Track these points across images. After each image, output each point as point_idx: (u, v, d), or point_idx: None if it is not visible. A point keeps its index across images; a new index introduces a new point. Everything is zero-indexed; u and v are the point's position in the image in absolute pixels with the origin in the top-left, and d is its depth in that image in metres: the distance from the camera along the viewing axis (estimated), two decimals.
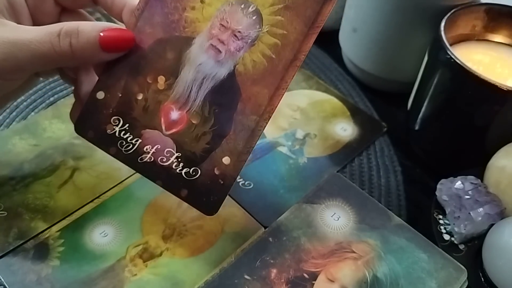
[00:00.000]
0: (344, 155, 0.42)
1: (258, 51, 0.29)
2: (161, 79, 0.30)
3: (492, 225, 0.33)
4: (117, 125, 0.31)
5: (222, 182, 0.29)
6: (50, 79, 0.46)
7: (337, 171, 0.40)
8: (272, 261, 0.32)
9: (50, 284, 0.31)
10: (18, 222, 0.34)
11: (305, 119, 0.44)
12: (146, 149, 0.31)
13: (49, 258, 0.33)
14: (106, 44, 0.29)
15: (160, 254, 0.33)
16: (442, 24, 0.38)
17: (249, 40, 0.29)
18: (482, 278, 0.32)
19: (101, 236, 0.34)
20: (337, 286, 0.31)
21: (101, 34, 0.29)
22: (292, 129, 0.43)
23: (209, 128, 0.30)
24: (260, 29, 0.28)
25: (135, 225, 0.35)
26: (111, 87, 0.31)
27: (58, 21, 0.34)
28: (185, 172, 0.30)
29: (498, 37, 0.41)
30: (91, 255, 0.33)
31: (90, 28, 0.29)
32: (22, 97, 0.45)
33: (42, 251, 0.33)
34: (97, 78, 0.32)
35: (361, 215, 0.34)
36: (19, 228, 0.34)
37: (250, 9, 0.29)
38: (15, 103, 0.44)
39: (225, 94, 0.29)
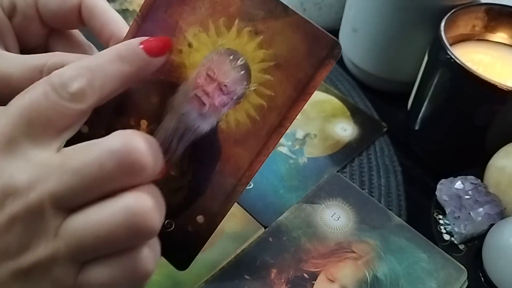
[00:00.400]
0: (344, 155, 0.42)
1: (243, 110, 0.27)
2: (144, 124, 0.29)
3: (492, 225, 0.33)
4: None
5: (194, 241, 0.28)
6: None
7: (337, 171, 0.40)
8: (272, 261, 0.32)
9: None
10: None
11: (305, 119, 0.44)
12: None
13: None
14: None
15: None
16: (442, 24, 0.38)
17: (235, 97, 0.27)
18: (482, 278, 0.32)
19: None
20: (337, 286, 0.31)
21: None
22: (292, 129, 0.43)
23: (187, 183, 0.28)
24: (247, 87, 0.26)
25: None
26: (95, 123, 0.29)
27: (46, 42, 0.33)
28: None
29: (498, 37, 0.41)
30: None
31: None
32: None
33: None
34: None
35: (361, 215, 0.34)
36: None
37: (239, 62, 0.27)
38: None
39: (205, 150, 0.28)
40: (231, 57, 0.27)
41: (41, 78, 0.26)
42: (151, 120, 0.29)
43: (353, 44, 0.48)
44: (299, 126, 0.44)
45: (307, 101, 0.26)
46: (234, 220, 0.36)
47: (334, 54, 0.24)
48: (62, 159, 0.21)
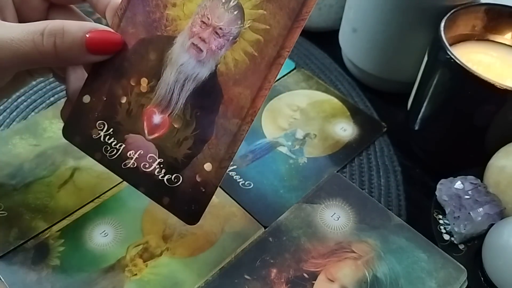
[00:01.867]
0: (344, 155, 0.42)
1: (240, 49, 0.27)
2: (144, 81, 0.29)
3: (491, 225, 0.33)
4: (102, 130, 0.30)
5: (203, 190, 0.28)
6: (51, 79, 0.46)
7: (337, 171, 0.41)
8: (272, 261, 0.32)
9: (50, 284, 0.31)
10: (19, 222, 0.34)
11: (305, 119, 0.44)
12: (130, 155, 0.30)
13: (49, 258, 0.33)
14: (93, 46, 0.28)
15: (160, 254, 0.33)
16: (442, 24, 0.38)
17: (231, 37, 0.27)
18: (482, 278, 0.32)
19: (101, 236, 0.34)
20: (337, 286, 0.31)
21: (88, 35, 0.28)
22: (292, 129, 0.43)
23: (191, 132, 0.29)
24: (242, 25, 0.27)
25: (135, 225, 0.35)
26: (96, 91, 0.30)
27: (46, 17, 0.33)
28: (167, 179, 0.29)
29: (498, 37, 0.41)
30: (91, 255, 0.33)
31: (77, 28, 0.27)
32: (22, 97, 0.45)
33: (42, 251, 0.33)
34: (85, 76, 0.31)
35: (361, 215, 0.34)
36: (20, 228, 0.34)
37: (232, 3, 0.27)
38: (15, 103, 0.44)
39: (207, 96, 0.28)
40: (223, 0, 0.27)
41: (43, 41, 0.27)
42: (151, 77, 0.29)
43: (353, 44, 0.48)
44: (299, 126, 0.44)
45: (302, 27, 0.26)
46: (234, 220, 0.36)
47: None
48: None
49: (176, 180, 0.29)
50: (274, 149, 0.41)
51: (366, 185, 0.41)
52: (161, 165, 0.29)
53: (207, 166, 0.28)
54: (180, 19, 0.28)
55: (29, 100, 0.45)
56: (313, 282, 0.31)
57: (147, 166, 0.29)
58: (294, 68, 0.50)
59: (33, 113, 0.44)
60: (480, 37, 0.42)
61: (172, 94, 0.29)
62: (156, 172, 0.29)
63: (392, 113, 0.47)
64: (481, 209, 0.33)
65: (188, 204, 0.29)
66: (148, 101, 0.29)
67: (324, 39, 0.54)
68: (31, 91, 0.45)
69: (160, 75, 0.29)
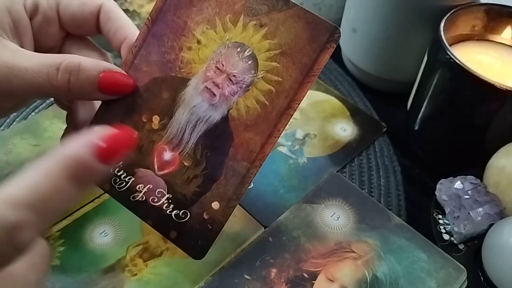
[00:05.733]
0: (344, 155, 0.42)
1: (252, 97, 0.28)
2: (156, 119, 0.30)
3: (491, 225, 0.33)
4: None
5: (210, 227, 0.29)
6: None
7: (337, 171, 0.41)
8: (272, 261, 0.32)
9: (51, 284, 0.31)
10: None
11: (305, 119, 0.44)
12: (139, 188, 0.30)
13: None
14: (105, 86, 0.28)
15: (160, 254, 0.33)
16: (442, 24, 0.38)
17: (244, 85, 0.28)
18: (482, 278, 0.32)
19: (102, 236, 0.34)
20: (337, 286, 0.31)
21: (101, 75, 0.28)
22: (292, 129, 0.43)
23: (201, 171, 0.29)
24: (255, 75, 0.28)
25: (135, 225, 0.35)
26: (107, 124, 0.30)
27: (61, 45, 0.33)
28: (175, 214, 0.30)
29: (498, 37, 0.41)
30: (91, 255, 0.33)
31: (91, 67, 0.28)
32: None
33: None
34: (93, 107, 0.31)
35: (360, 215, 0.34)
36: None
37: (246, 53, 0.28)
38: None
39: (217, 138, 0.29)
40: (239, 49, 0.28)
41: (58, 76, 0.27)
42: (163, 115, 0.30)
43: (353, 44, 0.48)
44: (299, 126, 0.44)
45: (312, 82, 0.27)
46: (234, 220, 0.36)
47: (334, 38, 0.27)
48: None
49: (184, 216, 0.30)
50: (274, 149, 0.41)
51: (366, 185, 0.41)
52: (170, 201, 0.30)
53: (215, 205, 0.29)
54: (195, 62, 0.29)
55: None
56: (313, 282, 0.31)
57: (155, 200, 0.30)
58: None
59: (33, 113, 0.44)
60: (480, 37, 0.42)
61: (183, 133, 0.29)
62: (164, 207, 0.30)
63: (392, 113, 0.47)
64: (481, 209, 0.33)
65: (194, 239, 0.29)
66: (159, 138, 0.30)
67: None
68: None
69: (172, 114, 0.30)
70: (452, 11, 0.39)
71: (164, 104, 0.30)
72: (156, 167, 0.30)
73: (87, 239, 0.34)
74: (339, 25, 0.50)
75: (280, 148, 0.42)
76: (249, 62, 0.28)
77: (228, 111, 0.29)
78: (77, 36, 0.33)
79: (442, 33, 0.37)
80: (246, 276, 0.31)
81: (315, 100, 0.46)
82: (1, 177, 0.37)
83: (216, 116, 0.29)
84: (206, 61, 0.29)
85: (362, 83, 0.50)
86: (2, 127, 0.42)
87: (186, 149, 0.30)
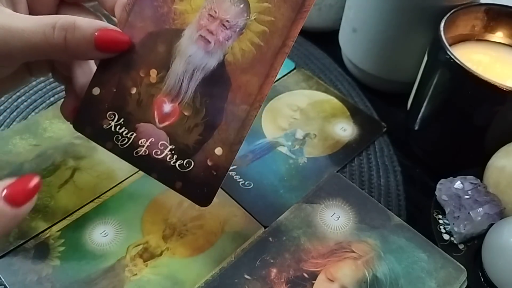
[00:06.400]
0: (344, 155, 0.42)
1: (246, 40, 0.29)
2: (153, 73, 0.30)
3: (491, 225, 0.33)
4: (112, 120, 0.31)
5: (215, 173, 0.29)
6: (51, 79, 0.46)
7: (337, 171, 0.41)
8: (272, 261, 0.32)
9: (51, 284, 0.31)
10: None
11: (305, 119, 0.44)
12: (141, 143, 0.31)
13: (49, 258, 0.33)
14: (101, 43, 0.29)
15: (161, 254, 0.33)
16: (442, 24, 0.38)
17: (238, 29, 0.29)
18: (482, 278, 0.32)
19: (102, 236, 0.34)
20: (337, 286, 0.31)
21: (97, 33, 0.28)
22: (292, 129, 0.43)
23: (201, 119, 0.30)
24: (248, 17, 0.29)
25: (136, 225, 0.35)
26: (106, 83, 0.31)
27: (56, 13, 0.33)
28: (179, 164, 0.30)
29: (498, 37, 0.41)
30: (91, 255, 0.33)
31: (87, 25, 0.28)
32: (23, 97, 0.45)
33: (42, 251, 0.33)
34: (91, 71, 0.32)
35: (360, 215, 0.34)
36: (20, 227, 0.34)
37: None
38: (15, 103, 0.44)
39: (215, 85, 0.29)
40: None
41: (54, 34, 0.28)
42: (160, 68, 0.30)
43: (353, 44, 0.48)
44: (299, 126, 0.44)
45: (305, 19, 0.28)
46: (234, 220, 0.36)
47: None
48: None
49: (188, 165, 0.30)
50: (274, 149, 0.41)
51: (366, 185, 0.41)
52: (173, 151, 0.30)
53: (218, 151, 0.29)
54: (187, 12, 0.30)
55: (29, 100, 0.45)
56: (313, 282, 0.31)
57: (158, 153, 0.30)
58: (294, 68, 0.50)
59: (33, 113, 0.44)
60: (480, 37, 0.42)
61: (181, 83, 0.30)
62: (168, 158, 0.30)
63: (392, 113, 0.47)
64: (481, 209, 0.33)
65: (200, 187, 0.30)
66: (158, 91, 0.30)
67: (324, 39, 0.54)
68: (31, 91, 0.45)
69: (169, 66, 0.30)
70: (452, 11, 0.39)
71: (161, 57, 0.30)
72: (156, 120, 0.31)
73: (87, 239, 0.34)
74: (339, 25, 0.50)
75: (280, 148, 0.42)
76: (241, 5, 0.29)
77: (224, 56, 0.29)
78: (71, 3, 0.34)
79: (442, 33, 0.37)
80: (246, 276, 0.31)
81: (315, 100, 0.46)
82: (1, 177, 0.37)
83: (212, 63, 0.29)
84: (199, 10, 0.29)
85: (362, 83, 0.50)
86: (2, 127, 0.42)
87: (185, 99, 0.30)
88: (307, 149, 0.42)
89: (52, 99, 0.45)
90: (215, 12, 0.29)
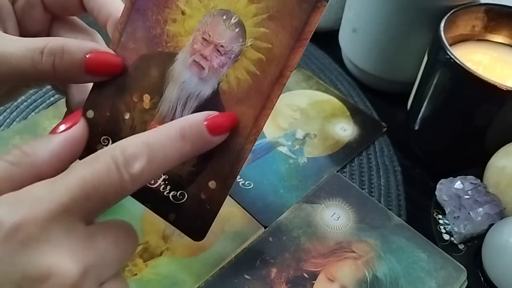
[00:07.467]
0: (344, 155, 0.42)
1: (242, 68, 0.27)
2: (147, 98, 0.29)
3: (491, 225, 0.33)
4: (106, 145, 0.30)
5: (208, 207, 0.28)
6: None
7: (337, 171, 0.41)
8: (272, 261, 0.32)
9: None
10: None
11: (305, 119, 0.44)
12: None
13: None
14: (92, 67, 0.27)
15: (160, 254, 0.33)
16: (442, 24, 0.38)
17: (233, 55, 0.27)
18: (482, 278, 0.32)
19: None
20: (337, 286, 0.31)
21: (88, 56, 0.27)
22: (292, 129, 0.43)
23: None
24: (244, 43, 0.27)
25: (136, 225, 0.34)
26: (99, 106, 0.30)
27: (48, 29, 0.32)
28: (172, 195, 0.29)
29: (498, 37, 0.41)
30: None
31: (77, 48, 0.27)
32: (23, 97, 0.45)
33: None
34: (86, 88, 0.31)
35: (361, 215, 0.34)
36: None
37: (233, 21, 0.27)
38: (15, 103, 0.44)
39: None
40: (224, 16, 0.27)
41: (42, 59, 0.26)
42: (153, 94, 0.29)
43: (353, 44, 0.48)
44: (299, 126, 0.44)
45: (305, 47, 0.26)
46: (234, 220, 0.36)
47: None
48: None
49: (181, 196, 0.29)
50: (274, 149, 0.41)
51: (366, 185, 0.41)
52: (166, 182, 0.29)
53: (212, 184, 0.28)
54: (181, 35, 0.28)
55: (29, 100, 0.45)
56: (313, 282, 0.31)
57: (152, 182, 0.29)
58: (294, 68, 0.49)
59: (33, 113, 0.44)
60: (480, 37, 0.42)
61: (175, 111, 0.29)
62: (161, 189, 0.29)
63: (392, 113, 0.47)
64: (481, 209, 0.33)
65: (193, 220, 0.29)
66: (151, 117, 0.29)
67: (324, 39, 0.54)
68: (31, 91, 0.45)
69: (162, 92, 0.29)
70: (452, 11, 0.39)
71: (154, 82, 0.29)
72: None
73: None
74: (339, 25, 0.50)
75: (280, 148, 0.42)
76: (236, 29, 0.27)
77: (219, 84, 0.28)
78: (64, 18, 0.33)
79: (442, 33, 0.37)
80: (246, 276, 0.31)
81: (315, 100, 0.46)
82: None
83: (206, 90, 0.28)
84: (192, 33, 0.28)
85: (362, 83, 0.50)
86: (2, 127, 0.42)
87: None
88: (307, 149, 0.42)
89: (52, 99, 0.45)
90: (209, 36, 0.27)
